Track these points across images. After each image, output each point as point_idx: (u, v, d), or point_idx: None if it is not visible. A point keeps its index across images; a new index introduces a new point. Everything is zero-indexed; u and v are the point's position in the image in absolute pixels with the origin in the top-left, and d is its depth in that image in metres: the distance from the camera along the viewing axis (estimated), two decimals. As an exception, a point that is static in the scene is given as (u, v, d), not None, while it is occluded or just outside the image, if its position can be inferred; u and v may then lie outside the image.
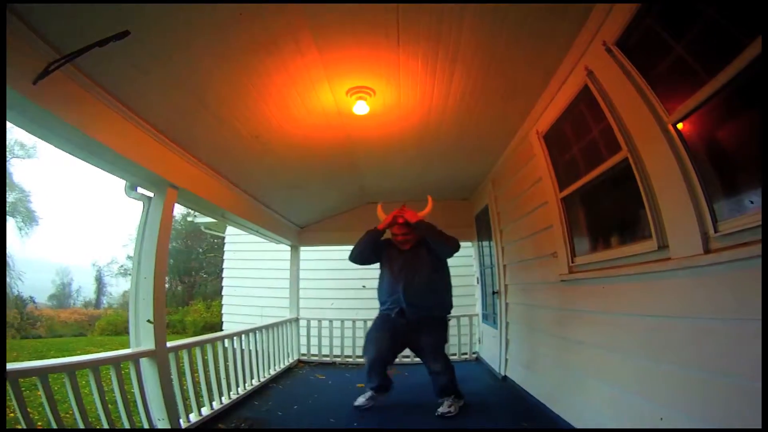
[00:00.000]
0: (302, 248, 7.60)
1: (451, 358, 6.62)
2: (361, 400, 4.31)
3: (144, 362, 3.25)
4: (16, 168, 26.38)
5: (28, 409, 2.37)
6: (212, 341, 4.33)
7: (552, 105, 3.34)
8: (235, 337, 4.90)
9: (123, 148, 2.86)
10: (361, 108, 3.37)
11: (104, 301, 31.19)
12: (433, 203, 4.24)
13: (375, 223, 4.38)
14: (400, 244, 4.26)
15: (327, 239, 7.54)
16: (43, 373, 2.48)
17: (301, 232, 7.52)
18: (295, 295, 7.34)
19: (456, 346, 6.87)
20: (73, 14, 2.07)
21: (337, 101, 3.38)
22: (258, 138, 3.82)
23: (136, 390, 3.19)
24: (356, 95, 3.27)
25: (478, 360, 6.78)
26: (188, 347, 3.87)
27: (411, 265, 4.12)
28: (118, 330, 20.09)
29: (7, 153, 23.69)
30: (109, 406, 2.91)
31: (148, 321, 3.26)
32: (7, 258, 22.65)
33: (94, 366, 2.86)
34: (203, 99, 3.09)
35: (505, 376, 5.22)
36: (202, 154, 3.84)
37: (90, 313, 26.73)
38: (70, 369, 2.68)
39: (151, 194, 3.46)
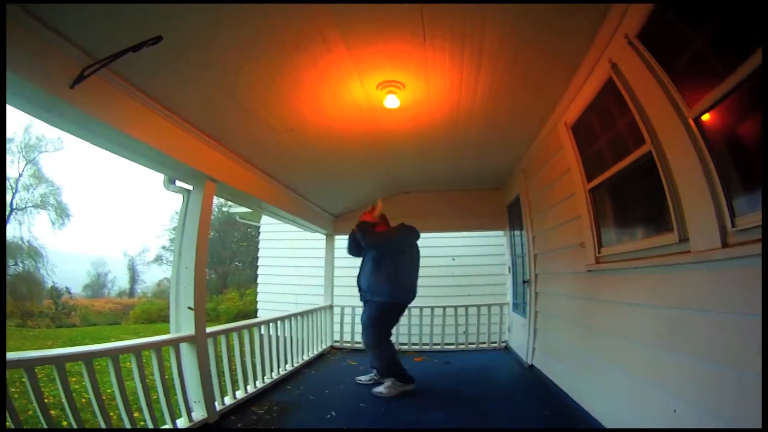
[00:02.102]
0: (337, 236, 7.62)
1: (480, 346, 6.85)
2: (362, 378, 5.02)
3: (184, 347, 3.42)
4: (45, 161, 27.24)
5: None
6: (249, 327, 4.50)
7: (579, 97, 3.33)
8: (270, 324, 5.07)
9: (161, 144, 3.00)
10: (392, 102, 3.43)
11: (138, 290, 32.00)
12: (382, 204, 4.88)
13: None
14: None
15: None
16: (88, 357, 2.64)
17: (336, 221, 7.61)
18: (330, 282, 7.46)
19: (486, 334, 6.94)
20: (102, 21, 2.17)
21: (368, 95, 3.44)
22: (292, 131, 3.92)
23: (174, 374, 3.34)
24: (386, 89, 3.32)
25: (507, 349, 6.81)
26: (226, 333, 4.03)
27: (367, 257, 4.84)
28: (152, 318, 20.83)
29: (35, 150, 24.46)
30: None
31: (189, 308, 3.43)
32: (41, 250, 23.67)
33: (137, 351, 3.02)
34: (236, 96, 3.19)
35: (532, 365, 5.25)
36: (238, 147, 3.97)
37: (124, 302, 27.61)
38: (114, 353, 2.84)
39: (190, 187, 3.61)
